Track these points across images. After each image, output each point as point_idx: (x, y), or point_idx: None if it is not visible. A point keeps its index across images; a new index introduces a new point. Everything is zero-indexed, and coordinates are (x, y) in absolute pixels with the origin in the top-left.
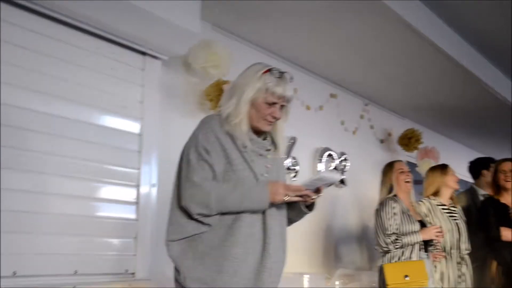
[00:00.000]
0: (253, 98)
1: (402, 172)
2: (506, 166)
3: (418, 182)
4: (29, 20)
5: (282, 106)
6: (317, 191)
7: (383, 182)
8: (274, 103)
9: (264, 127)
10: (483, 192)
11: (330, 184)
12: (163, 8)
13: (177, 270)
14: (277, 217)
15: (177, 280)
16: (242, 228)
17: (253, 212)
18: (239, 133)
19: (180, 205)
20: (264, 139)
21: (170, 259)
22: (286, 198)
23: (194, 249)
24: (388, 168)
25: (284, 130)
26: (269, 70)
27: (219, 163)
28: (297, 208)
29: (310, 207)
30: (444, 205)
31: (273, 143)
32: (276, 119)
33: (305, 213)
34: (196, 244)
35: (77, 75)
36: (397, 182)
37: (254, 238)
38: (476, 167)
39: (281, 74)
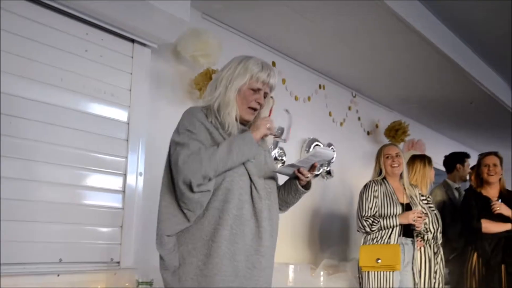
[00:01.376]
0: (240, 86)
1: (387, 157)
2: (490, 160)
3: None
4: (16, 5)
5: (265, 94)
6: (312, 169)
7: (375, 165)
8: (258, 89)
9: (248, 115)
10: (456, 185)
11: (324, 162)
12: None
13: (162, 259)
14: (265, 201)
15: (164, 269)
16: (230, 210)
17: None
18: (230, 121)
19: (176, 187)
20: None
21: (162, 254)
22: (268, 126)
23: (187, 237)
24: (378, 152)
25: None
26: (251, 59)
27: (206, 140)
28: (293, 188)
29: (306, 186)
30: (423, 195)
31: None
32: (260, 105)
33: (302, 193)
34: (189, 232)
35: (65, 62)
36: (384, 166)
37: (242, 220)
38: (451, 161)
39: (264, 62)
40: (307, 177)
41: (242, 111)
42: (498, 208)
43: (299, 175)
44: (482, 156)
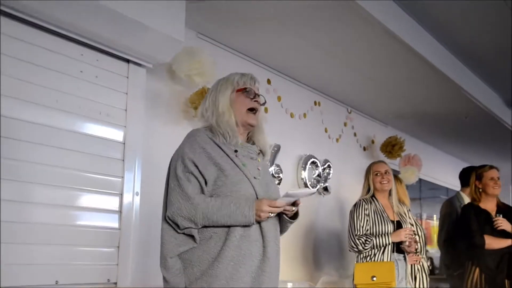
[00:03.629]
0: (229, 95)
1: (376, 174)
2: (494, 173)
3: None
4: (11, 27)
5: (256, 96)
6: (294, 203)
7: (364, 183)
8: (247, 88)
9: (251, 119)
10: (468, 200)
11: (306, 197)
12: (148, 15)
13: (166, 281)
14: (272, 220)
15: None
16: (237, 230)
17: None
18: (230, 129)
19: (167, 218)
20: (253, 144)
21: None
22: (271, 215)
23: (193, 260)
24: (367, 170)
25: (266, 136)
26: (230, 74)
27: (208, 171)
28: (281, 219)
29: (293, 217)
30: (409, 210)
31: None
32: (257, 104)
33: (290, 223)
34: (194, 255)
35: (60, 83)
36: (373, 183)
37: (249, 240)
38: (468, 174)
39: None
40: (292, 211)
41: (244, 117)
42: (501, 224)
43: (284, 211)
44: (486, 170)
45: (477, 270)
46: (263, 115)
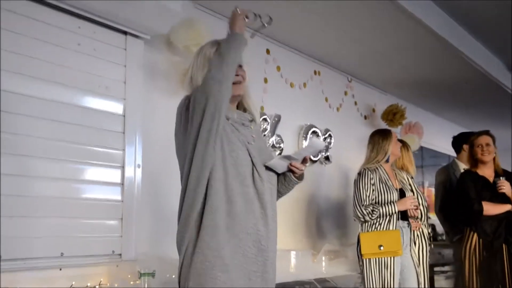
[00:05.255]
0: None
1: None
2: (482, 139)
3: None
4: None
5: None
6: (304, 161)
7: (378, 150)
8: None
9: (235, 89)
10: (464, 166)
11: (315, 153)
12: None
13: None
14: (267, 184)
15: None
16: (236, 188)
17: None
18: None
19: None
20: (244, 111)
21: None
22: (239, 11)
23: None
24: (387, 137)
25: (254, 100)
26: (205, 45)
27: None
28: (286, 179)
29: (299, 177)
30: (412, 177)
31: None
32: (239, 77)
33: (295, 183)
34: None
35: (58, 56)
36: (388, 151)
37: (248, 197)
38: (458, 141)
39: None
40: (301, 170)
41: None
42: (503, 187)
43: (293, 168)
44: (474, 137)
45: (475, 235)
46: (247, 80)
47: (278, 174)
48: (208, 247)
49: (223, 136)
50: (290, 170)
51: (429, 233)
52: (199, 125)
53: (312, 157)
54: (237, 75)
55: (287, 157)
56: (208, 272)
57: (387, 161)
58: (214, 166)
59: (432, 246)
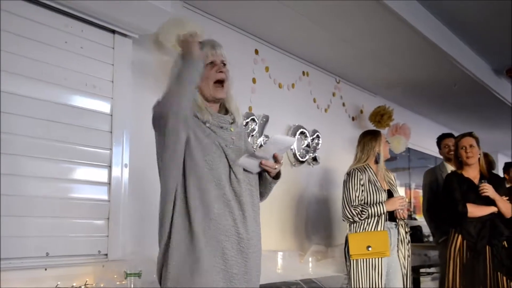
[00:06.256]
0: None
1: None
2: (466, 141)
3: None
4: None
5: (223, 63)
6: (276, 160)
7: (368, 150)
8: (212, 62)
9: (218, 93)
10: (452, 168)
11: (285, 150)
12: None
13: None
14: (245, 186)
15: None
16: (212, 191)
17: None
18: (200, 106)
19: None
20: (225, 114)
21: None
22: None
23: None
24: (376, 137)
25: (235, 101)
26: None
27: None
28: (263, 179)
29: (275, 176)
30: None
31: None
32: (223, 75)
33: (272, 183)
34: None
35: (46, 54)
36: (379, 152)
37: (225, 199)
38: (437, 141)
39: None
40: (275, 168)
41: (211, 91)
42: (486, 191)
43: (266, 167)
44: (458, 138)
45: (460, 237)
46: (231, 81)
47: (259, 175)
48: (187, 252)
49: (193, 142)
50: (265, 170)
51: (406, 232)
52: (162, 136)
53: (300, 158)
54: (221, 71)
55: (252, 155)
56: (186, 278)
57: (376, 162)
58: (187, 172)
59: (409, 245)
